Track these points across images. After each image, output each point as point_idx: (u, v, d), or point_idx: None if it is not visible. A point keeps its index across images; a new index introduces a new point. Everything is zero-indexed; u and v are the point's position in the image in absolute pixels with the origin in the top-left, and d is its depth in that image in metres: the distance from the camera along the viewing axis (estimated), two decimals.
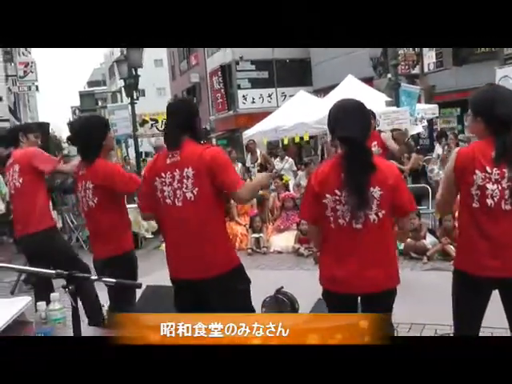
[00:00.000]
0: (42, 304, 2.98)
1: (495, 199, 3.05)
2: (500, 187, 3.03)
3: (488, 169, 3.05)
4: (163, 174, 3.56)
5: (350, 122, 3.18)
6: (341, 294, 3.24)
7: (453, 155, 3.32)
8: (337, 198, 3.16)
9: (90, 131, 4.37)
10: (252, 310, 3.81)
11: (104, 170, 4.28)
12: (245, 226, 10.64)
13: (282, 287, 5.69)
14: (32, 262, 5.38)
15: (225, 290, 3.58)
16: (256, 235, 10.22)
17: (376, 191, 3.11)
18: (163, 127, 4.21)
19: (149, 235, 11.19)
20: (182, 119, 3.63)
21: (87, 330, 3.35)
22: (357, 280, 3.16)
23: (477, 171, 3.07)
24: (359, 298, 3.34)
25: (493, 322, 3.52)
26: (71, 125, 5.42)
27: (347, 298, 3.24)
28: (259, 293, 3.84)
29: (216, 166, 3.49)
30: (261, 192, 11.98)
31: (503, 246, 3.08)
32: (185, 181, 3.50)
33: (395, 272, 3.29)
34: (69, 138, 4.68)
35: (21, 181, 5.28)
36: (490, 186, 3.05)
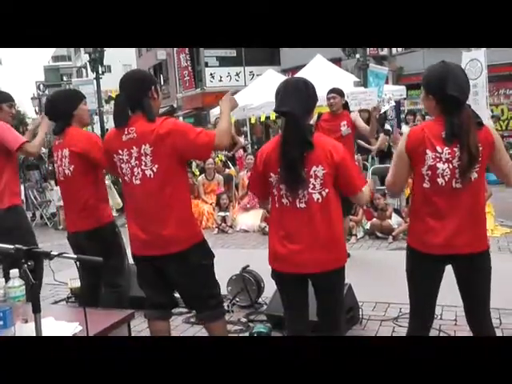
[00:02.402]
0: (0, 281, 2.89)
1: (446, 178, 3.05)
2: (451, 166, 3.03)
3: (438, 148, 3.04)
4: (120, 151, 3.45)
5: (288, 98, 3.15)
6: (286, 274, 3.23)
7: (404, 136, 3.30)
8: (279, 176, 3.14)
9: (60, 101, 4.28)
10: (216, 285, 3.79)
11: (80, 135, 4.16)
12: (211, 204, 10.60)
13: (248, 266, 5.68)
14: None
15: (186, 266, 3.54)
16: (222, 213, 10.20)
17: (319, 170, 3.08)
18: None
19: (113, 213, 11.02)
20: (130, 94, 3.47)
21: (49, 309, 3.29)
22: (301, 260, 3.14)
23: (427, 151, 3.05)
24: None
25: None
26: (47, 99, 5.23)
27: (293, 277, 3.22)
28: (225, 271, 3.81)
29: (178, 136, 3.36)
30: (228, 171, 11.98)
31: (454, 224, 3.09)
32: (143, 158, 3.39)
33: (341, 252, 3.27)
34: (46, 113, 4.48)
35: None
36: (440, 165, 3.04)
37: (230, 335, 4.64)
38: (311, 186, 3.09)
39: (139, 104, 3.44)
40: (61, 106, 4.23)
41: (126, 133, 3.43)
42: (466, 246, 3.11)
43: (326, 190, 3.10)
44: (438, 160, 3.04)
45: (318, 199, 3.11)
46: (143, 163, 3.40)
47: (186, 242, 3.54)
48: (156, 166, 3.39)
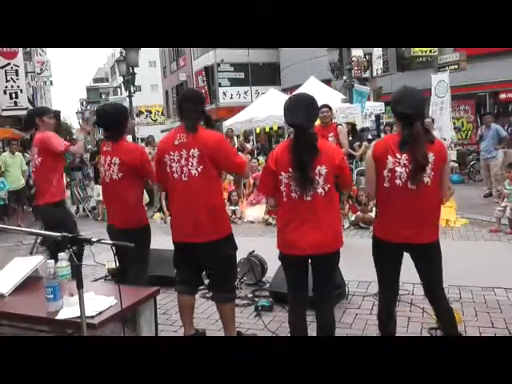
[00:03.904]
0: (51, 262, 2.91)
1: (402, 180, 3.11)
2: (407, 170, 3.09)
3: (397, 155, 3.11)
4: (172, 153, 3.53)
5: (297, 112, 3.14)
6: (293, 256, 3.22)
7: (370, 147, 3.37)
8: (289, 174, 3.14)
9: (119, 116, 4.04)
10: (235, 273, 3.82)
11: (132, 150, 3.95)
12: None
13: (254, 251, 5.67)
14: (46, 227, 5.20)
15: (217, 253, 3.56)
16: (233, 207, 10.20)
17: (323, 169, 3.11)
18: (178, 112, 3.87)
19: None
20: (198, 107, 3.57)
21: (90, 285, 3.28)
22: (306, 243, 3.13)
23: (388, 156, 3.13)
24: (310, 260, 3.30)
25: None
26: (101, 109, 4.84)
27: (298, 258, 3.22)
28: None
29: (220, 152, 3.47)
30: None
31: (409, 218, 3.14)
32: (191, 159, 3.46)
33: (339, 236, 3.27)
34: (96, 123, 4.20)
35: (39, 160, 5.00)
36: (398, 168, 3.11)
37: (237, 308, 4.64)
38: (316, 182, 3.11)
39: (203, 115, 3.61)
40: (118, 120, 4.03)
41: (178, 137, 3.51)
42: (416, 237, 3.18)
43: (328, 186, 3.13)
44: (397, 164, 3.12)
45: (321, 193, 3.12)
46: (190, 163, 3.47)
47: (220, 233, 3.57)
48: (201, 166, 3.46)
